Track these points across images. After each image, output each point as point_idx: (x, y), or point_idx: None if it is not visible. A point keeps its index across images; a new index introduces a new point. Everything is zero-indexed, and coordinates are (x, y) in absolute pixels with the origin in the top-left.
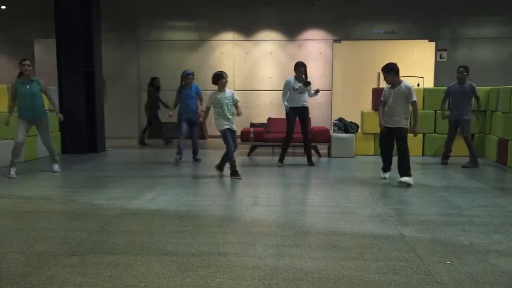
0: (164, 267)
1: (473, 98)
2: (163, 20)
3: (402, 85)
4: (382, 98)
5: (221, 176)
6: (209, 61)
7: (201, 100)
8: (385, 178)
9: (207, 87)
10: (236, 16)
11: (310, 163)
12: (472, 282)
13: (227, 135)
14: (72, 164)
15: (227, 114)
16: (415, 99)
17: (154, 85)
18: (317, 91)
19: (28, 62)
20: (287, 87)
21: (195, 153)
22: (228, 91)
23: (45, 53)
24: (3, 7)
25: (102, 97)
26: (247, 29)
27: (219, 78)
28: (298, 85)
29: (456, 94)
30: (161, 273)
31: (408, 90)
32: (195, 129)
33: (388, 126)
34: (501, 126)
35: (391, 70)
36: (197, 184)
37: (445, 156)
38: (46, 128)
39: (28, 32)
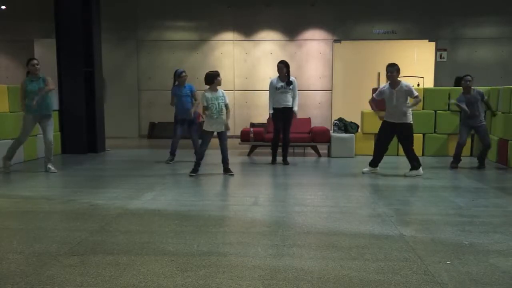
0: (164, 267)
1: (483, 103)
2: (163, 20)
3: (402, 84)
4: (376, 97)
5: (191, 176)
6: (209, 61)
7: (195, 99)
8: (364, 173)
9: (206, 87)
10: (236, 16)
11: (285, 162)
12: (472, 282)
13: (207, 137)
14: (72, 164)
15: (216, 114)
16: (416, 94)
17: None
18: (288, 83)
19: (35, 61)
20: (270, 87)
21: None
22: (220, 91)
23: (45, 53)
24: (3, 7)
25: (102, 97)
26: (247, 29)
27: (215, 77)
28: (280, 84)
29: (467, 105)
30: (161, 273)
31: (409, 88)
32: (193, 128)
33: (392, 121)
34: (501, 126)
35: (398, 70)
36: (197, 184)
37: (456, 160)
38: (51, 126)
39: (28, 32)
